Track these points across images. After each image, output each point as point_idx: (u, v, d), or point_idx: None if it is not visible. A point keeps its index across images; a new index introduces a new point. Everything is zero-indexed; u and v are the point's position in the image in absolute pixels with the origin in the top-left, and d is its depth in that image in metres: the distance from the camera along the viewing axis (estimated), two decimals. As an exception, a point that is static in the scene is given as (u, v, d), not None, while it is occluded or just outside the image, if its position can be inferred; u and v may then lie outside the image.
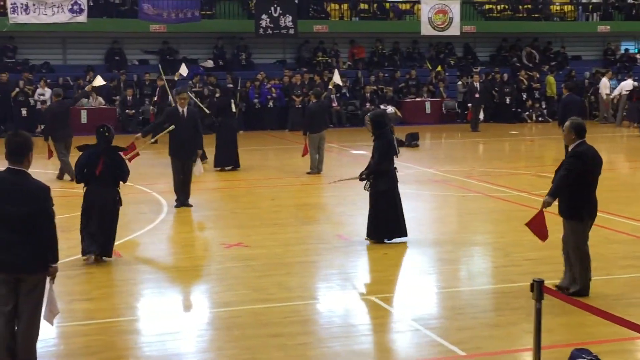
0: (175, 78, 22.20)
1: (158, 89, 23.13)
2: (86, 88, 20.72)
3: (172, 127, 14.01)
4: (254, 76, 29.41)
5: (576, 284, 8.97)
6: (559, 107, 20.49)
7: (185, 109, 14.28)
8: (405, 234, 11.67)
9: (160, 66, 23.93)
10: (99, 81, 19.30)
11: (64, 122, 17.28)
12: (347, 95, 30.77)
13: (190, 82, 28.58)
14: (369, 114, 12.20)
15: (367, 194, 11.69)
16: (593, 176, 8.93)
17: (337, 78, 20.43)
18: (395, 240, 11.61)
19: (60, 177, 17.18)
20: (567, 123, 9.12)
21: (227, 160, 18.93)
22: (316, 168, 18.18)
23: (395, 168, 11.80)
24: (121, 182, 10.81)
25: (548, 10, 35.02)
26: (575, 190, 8.85)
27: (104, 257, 10.67)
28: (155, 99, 22.60)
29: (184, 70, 21.56)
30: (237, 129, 19.65)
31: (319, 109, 18.52)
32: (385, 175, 11.58)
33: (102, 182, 10.54)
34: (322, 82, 29.59)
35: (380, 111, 12.73)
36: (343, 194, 14.82)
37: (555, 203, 8.92)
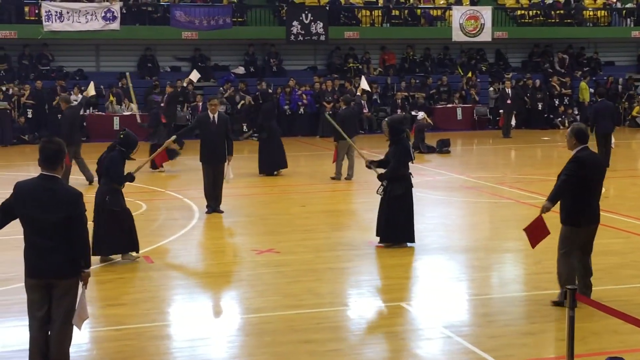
0: (185, 84, 22.17)
1: (166, 96, 22.80)
2: (84, 94, 20.89)
3: (174, 137, 14.23)
4: (285, 83, 29.49)
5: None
6: (591, 113, 20.34)
7: (215, 115, 14.34)
8: (413, 240, 11.75)
9: (127, 74, 23.57)
10: (91, 89, 19.53)
11: (76, 127, 17.50)
12: (378, 101, 30.75)
13: (220, 88, 28.75)
14: (386, 119, 12.27)
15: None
16: (593, 182, 8.83)
17: (364, 84, 20.52)
18: (406, 245, 11.73)
19: (91, 180, 17.22)
20: (569, 128, 9.08)
21: (272, 166, 19.13)
22: (339, 174, 18.26)
23: (410, 173, 11.85)
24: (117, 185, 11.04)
25: (581, 16, 34.71)
26: (575, 195, 8.75)
27: (132, 254, 10.94)
28: (162, 104, 22.28)
29: (194, 75, 21.48)
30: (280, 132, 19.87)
31: (349, 115, 18.53)
32: (401, 180, 11.66)
33: (102, 181, 10.99)
34: (353, 89, 29.62)
35: (398, 117, 12.83)
36: (374, 200, 14.74)
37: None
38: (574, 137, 8.85)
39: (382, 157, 12.09)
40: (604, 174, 9.06)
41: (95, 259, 9.85)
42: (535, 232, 8.96)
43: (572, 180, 8.73)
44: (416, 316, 8.82)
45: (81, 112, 26.03)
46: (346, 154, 18.15)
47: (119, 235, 10.84)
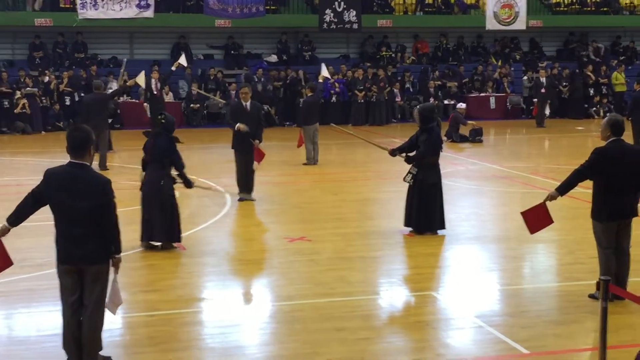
0: (173, 68, 22.12)
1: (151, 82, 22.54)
2: (128, 83, 20.87)
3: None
4: (317, 71, 29.40)
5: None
6: (630, 102, 20.17)
7: (247, 103, 14.39)
8: (444, 227, 11.83)
9: (125, 60, 23.38)
10: (141, 79, 19.49)
11: (95, 114, 17.71)
12: (411, 90, 30.62)
13: (254, 76, 28.79)
14: (418, 107, 12.38)
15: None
16: (619, 176, 8.38)
17: (324, 72, 21.04)
18: (439, 232, 11.80)
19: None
20: (605, 118, 8.81)
21: None
22: (312, 159, 18.77)
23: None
24: (181, 170, 11.03)
25: (617, 4, 34.28)
26: (597, 189, 8.54)
27: (173, 244, 10.96)
28: (155, 92, 21.97)
29: (183, 60, 21.47)
30: None
31: (313, 102, 19.28)
32: (433, 168, 11.74)
33: (153, 166, 10.87)
34: (386, 77, 29.52)
35: (429, 105, 12.88)
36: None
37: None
38: (609, 128, 8.52)
39: (400, 142, 12.13)
40: (634, 168, 8.44)
41: (126, 246, 9.92)
42: (536, 218, 8.85)
43: (585, 172, 8.53)
44: (447, 306, 8.79)
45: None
46: (311, 140, 18.78)
47: (171, 221, 10.86)
